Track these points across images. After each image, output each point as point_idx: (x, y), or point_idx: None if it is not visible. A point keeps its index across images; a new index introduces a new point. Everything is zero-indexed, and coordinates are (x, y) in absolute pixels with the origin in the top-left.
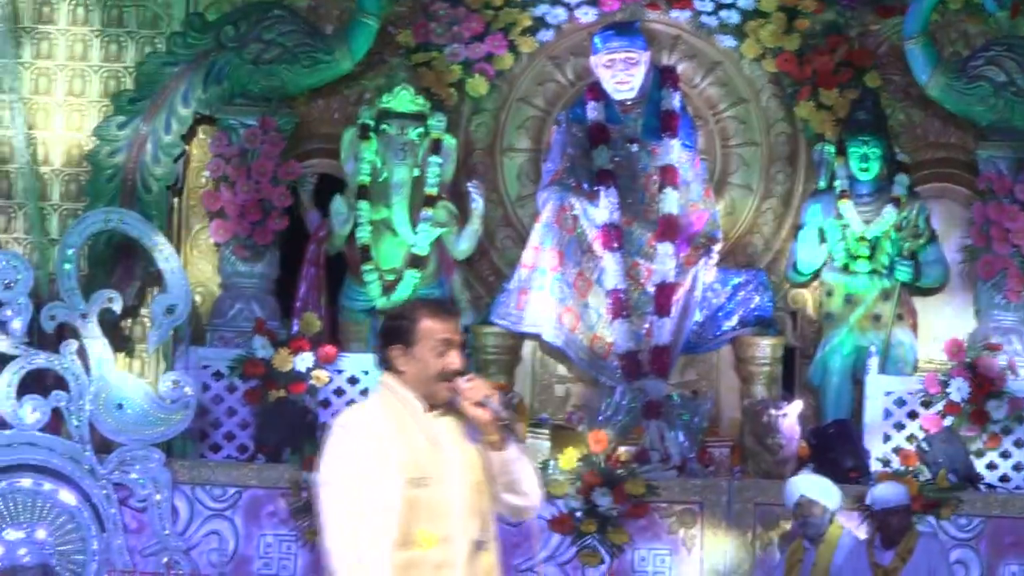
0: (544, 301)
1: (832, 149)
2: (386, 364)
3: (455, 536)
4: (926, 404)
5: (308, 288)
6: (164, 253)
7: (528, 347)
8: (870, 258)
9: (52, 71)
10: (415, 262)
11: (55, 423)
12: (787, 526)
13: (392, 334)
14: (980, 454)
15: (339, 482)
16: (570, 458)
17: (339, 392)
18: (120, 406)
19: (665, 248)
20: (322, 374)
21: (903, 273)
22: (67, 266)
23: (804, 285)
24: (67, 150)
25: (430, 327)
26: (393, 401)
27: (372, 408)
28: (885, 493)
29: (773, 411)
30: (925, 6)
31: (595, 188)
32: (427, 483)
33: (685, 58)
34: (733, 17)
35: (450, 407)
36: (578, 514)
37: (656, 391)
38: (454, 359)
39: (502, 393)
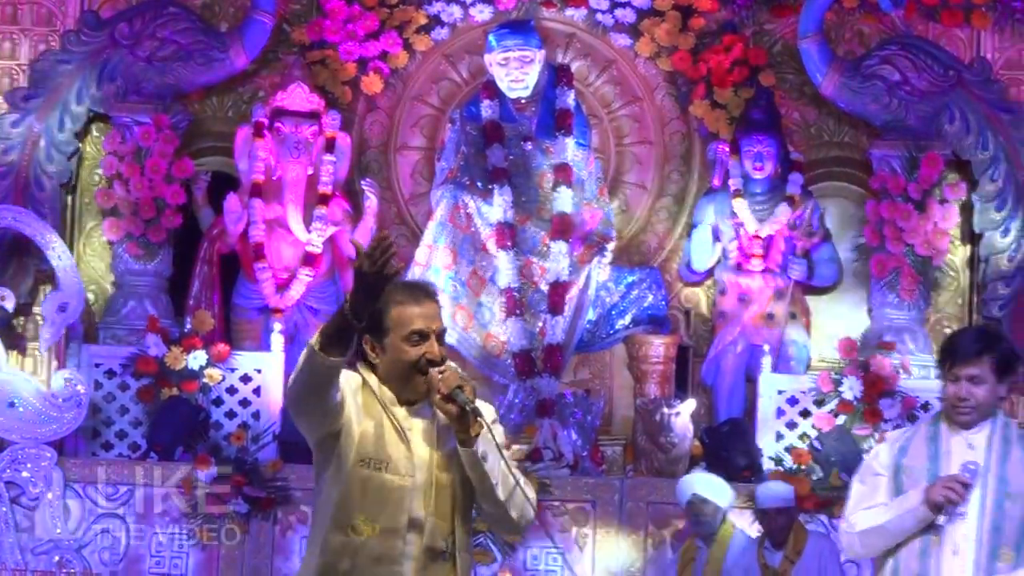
0: None
1: (726, 148)
2: (360, 355)
3: (399, 533)
4: (819, 403)
5: (201, 286)
6: (57, 251)
7: None
8: (764, 257)
9: None
10: (309, 260)
11: None
12: (680, 525)
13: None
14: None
15: None
16: None
17: (232, 391)
18: (12, 404)
19: (559, 247)
20: (215, 372)
21: (796, 272)
22: None
23: (698, 284)
24: None
25: (403, 313)
26: (368, 391)
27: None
28: (767, 492)
29: (666, 410)
30: (820, 5)
31: (489, 186)
32: (380, 467)
33: (580, 56)
34: (628, 16)
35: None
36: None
37: (549, 389)
38: (431, 348)
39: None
